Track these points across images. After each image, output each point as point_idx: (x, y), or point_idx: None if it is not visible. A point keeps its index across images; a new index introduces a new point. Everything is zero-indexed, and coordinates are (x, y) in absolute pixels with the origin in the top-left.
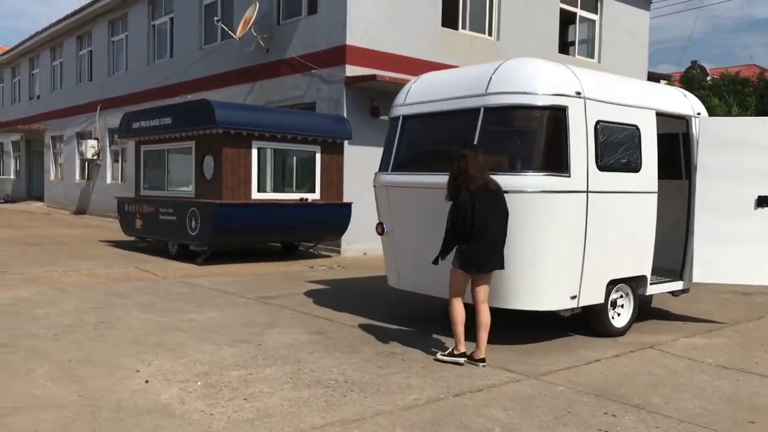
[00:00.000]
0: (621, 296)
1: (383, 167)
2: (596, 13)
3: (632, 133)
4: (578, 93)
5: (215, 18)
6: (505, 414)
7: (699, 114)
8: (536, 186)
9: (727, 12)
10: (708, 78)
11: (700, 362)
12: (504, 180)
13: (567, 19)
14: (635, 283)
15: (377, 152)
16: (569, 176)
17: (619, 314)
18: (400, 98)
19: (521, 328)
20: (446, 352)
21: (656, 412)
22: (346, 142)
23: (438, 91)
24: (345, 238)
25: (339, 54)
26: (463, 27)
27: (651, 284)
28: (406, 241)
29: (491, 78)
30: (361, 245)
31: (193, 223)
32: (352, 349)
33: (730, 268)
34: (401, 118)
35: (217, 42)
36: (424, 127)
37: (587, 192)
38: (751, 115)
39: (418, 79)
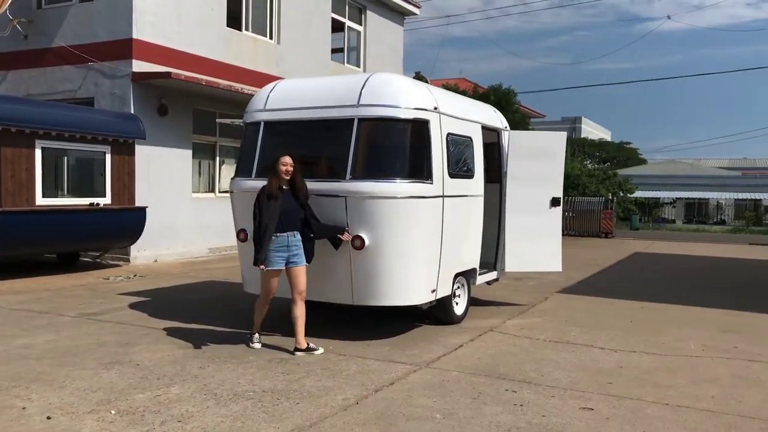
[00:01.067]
0: (458, 287)
1: (244, 173)
2: (361, 25)
3: (469, 144)
4: (435, 108)
5: None
6: (432, 401)
7: (506, 127)
8: (405, 192)
9: (429, 29)
10: None
11: (536, 339)
12: (376, 186)
13: (337, 28)
14: (469, 275)
15: (166, 152)
16: (432, 183)
17: (457, 303)
18: (258, 104)
19: (376, 323)
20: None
21: (541, 384)
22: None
23: (303, 98)
24: (134, 245)
25: (124, 48)
26: (247, 28)
27: (478, 275)
28: None
29: (362, 91)
30: (150, 252)
31: None
32: (240, 360)
33: (533, 258)
34: (262, 123)
35: None
36: (290, 134)
37: (443, 197)
38: None
39: (276, 85)
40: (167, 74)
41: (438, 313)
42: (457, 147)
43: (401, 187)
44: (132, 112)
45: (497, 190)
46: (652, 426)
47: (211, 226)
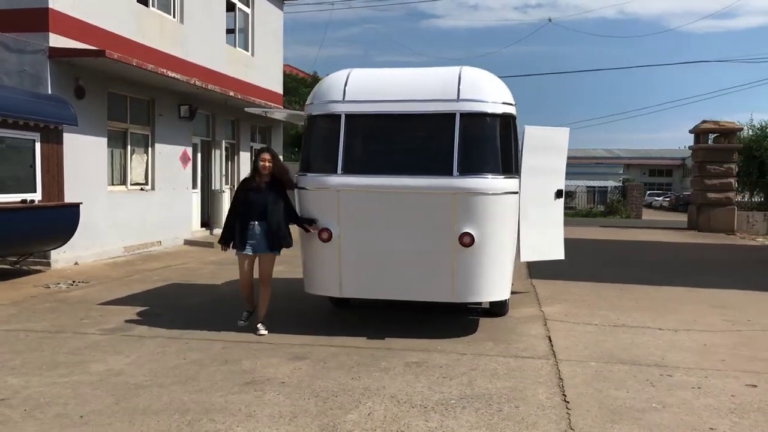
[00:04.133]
0: None
1: (325, 169)
2: (249, 7)
3: (517, 141)
4: (515, 104)
5: None
6: (624, 393)
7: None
8: (506, 188)
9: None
10: None
11: (594, 325)
12: (485, 183)
13: (230, 9)
14: None
15: (82, 140)
16: (517, 178)
17: None
18: (333, 95)
19: (427, 320)
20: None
21: (677, 366)
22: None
23: (389, 91)
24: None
25: (37, 19)
26: (153, 5)
27: None
28: (358, 246)
29: (460, 86)
30: (71, 254)
31: None
32: (377, 367)
33: (543, 247)
34: (343, 116)
35: None
36: (378, 127)
37: (519, 191)
38: None
39: (350, 76)
40: (99, 53)
41: (497, 305)
42: (517, 142)
43: (503, 182)
44: (50, 93)
45: None
46: None
47: (126, 223)
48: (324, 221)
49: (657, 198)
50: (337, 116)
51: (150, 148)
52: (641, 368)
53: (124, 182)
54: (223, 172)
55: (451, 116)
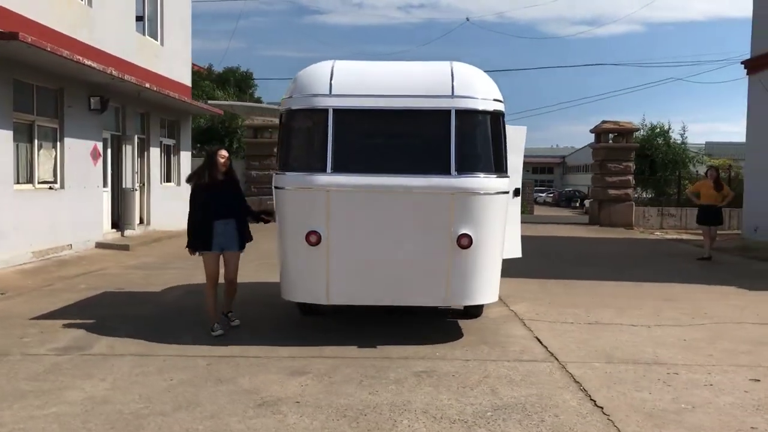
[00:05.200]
0: None
1: (313, 167)
2: None
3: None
4: (503, 101)
5: None
6: (647, 394)
7: None
8: (502, 187)
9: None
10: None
11: (570, 324)
12: (483, 182)
13: None
14: None
15: None
16: (509, 177)
17: None
18: (319, 89)
19: (407, 324)
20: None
21: (675, 363)
22: None
23: (379, 85)
24: None
25: None
26: None
27: None
28: (348, 249)
29: (454, 81)
30: None
31: None
32: (386, 378)
33: (505, 246)
34: (331, 111)
35: None
36: (369, 124)
37: (507, 192)
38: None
39: (334, 68)
40: (12, 35)
41: (475, 306)
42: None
43: (498, 182)
44: None
45: None
46: None
47: (34, 226)
48: (309, 223)
49: (541, 194)
50: (324, 111)
51: (59, 143)
52: (645, 367)
53: (31, 180)
54: (135, 169)
55: (446, 113)
